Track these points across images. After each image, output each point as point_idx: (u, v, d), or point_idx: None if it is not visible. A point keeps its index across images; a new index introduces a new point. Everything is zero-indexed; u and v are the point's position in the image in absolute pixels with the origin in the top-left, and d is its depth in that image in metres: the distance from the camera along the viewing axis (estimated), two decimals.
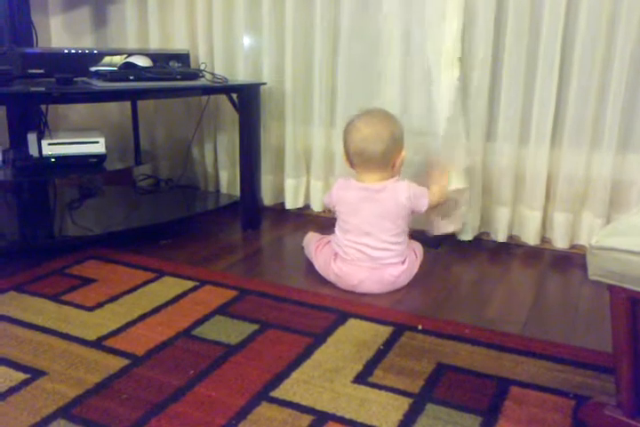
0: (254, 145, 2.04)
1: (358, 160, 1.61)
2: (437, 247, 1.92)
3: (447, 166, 1.78)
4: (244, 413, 1.07)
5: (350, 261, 1.60)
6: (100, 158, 1.86)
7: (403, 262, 1.61)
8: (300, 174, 2.23)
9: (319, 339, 1.33)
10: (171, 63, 2.01)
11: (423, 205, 1.62)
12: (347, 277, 1.60)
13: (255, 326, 1.38)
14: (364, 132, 1.58)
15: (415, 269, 1.67)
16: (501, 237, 1.95)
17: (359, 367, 1.22)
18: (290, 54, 2.10)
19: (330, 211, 1.79)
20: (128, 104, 2.27)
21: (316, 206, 2.24)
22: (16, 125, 2.09)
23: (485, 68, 1.82)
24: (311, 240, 1.78)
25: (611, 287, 0.90)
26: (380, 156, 1.57)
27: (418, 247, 1.73)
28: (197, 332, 1.36)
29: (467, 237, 1.97)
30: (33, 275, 1.66)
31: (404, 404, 1.10)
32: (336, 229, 1.67)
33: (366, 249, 1.59)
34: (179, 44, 2.27)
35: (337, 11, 2.00)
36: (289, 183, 2.24)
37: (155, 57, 1.98)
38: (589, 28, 1.69)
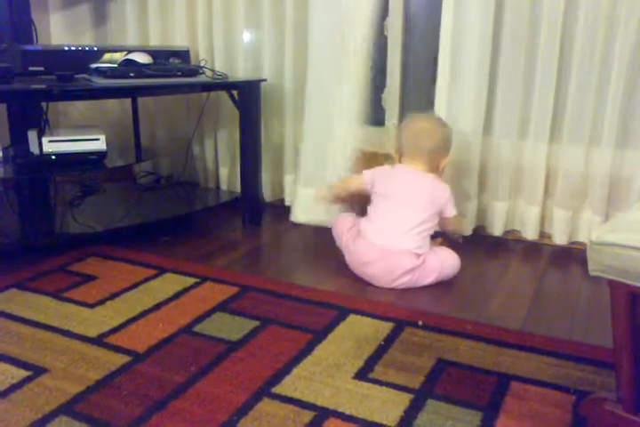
0: (255, 141, 2.04)
1: (409, 151, 1.67)
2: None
3: None
4: (245, 409, 1.07)
5: (368, 239, 1.62)
6: (100, 155, 1.85)
7: (418, 257, 1.59)
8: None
9: (320, 335, 1.33)
10: (171, 60, 2.00)
11: (451, 211, 1.66)
12: (358, 255, 1.62)
13: (256, 323, 1.39)
14: (420, 126, 1.69)
15: (429, 278, 1.60)
16: (500, 232, 1.95)
17: (360, 363, 1.22)
18: (290, 51, 2.09)
19: (357, 192, 1.76)
20: (128, 101, 2.27)
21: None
22: (16, 123, 2.09)
23: (484, 63, 1.81)
24: (342, 230, 1.72)
25: (611, 283, 0.90)
26: (428, 151, 1.64)
27: (447, 259, 1.64)
28: (198, 328, 1.36)
29: (465, 232, 1.96)
30: (34, 272, 1.66)
31: (404, 400, 1.11)
32: (369, 211, 1.69)
33: (389, 231, 1.60)
34: (179, 41, 2.27)
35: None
36: (288, 179, 2.24)
37: (155, 54, 1.97)
38: (589, 23, 1.69)
